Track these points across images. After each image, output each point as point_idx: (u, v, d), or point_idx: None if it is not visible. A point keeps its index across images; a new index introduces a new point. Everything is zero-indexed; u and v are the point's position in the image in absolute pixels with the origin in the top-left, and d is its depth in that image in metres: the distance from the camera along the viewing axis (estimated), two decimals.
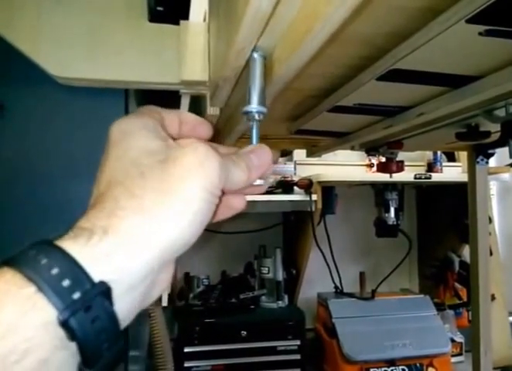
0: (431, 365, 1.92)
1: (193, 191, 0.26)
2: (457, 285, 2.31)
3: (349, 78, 0.52)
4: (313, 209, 1.95)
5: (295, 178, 2.06)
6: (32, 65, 0.58)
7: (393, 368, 1.89)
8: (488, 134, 0.73)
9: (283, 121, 0.80)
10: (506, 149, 0.70)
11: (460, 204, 1.40)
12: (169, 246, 0.25)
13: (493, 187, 2.68)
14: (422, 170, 2.33)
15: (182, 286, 2.20)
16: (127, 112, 0.68)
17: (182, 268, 2.22)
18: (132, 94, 0.70)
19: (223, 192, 0.29)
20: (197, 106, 0.71)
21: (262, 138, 0.36)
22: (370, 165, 2.37)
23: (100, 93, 0.64)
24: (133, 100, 0.72)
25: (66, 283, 0.22)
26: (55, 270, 0.22)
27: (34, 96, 0.66)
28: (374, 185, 2.23)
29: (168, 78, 0.59)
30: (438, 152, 2.36)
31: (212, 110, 0.61)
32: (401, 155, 0.97)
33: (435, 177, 2.11)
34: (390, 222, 2.14)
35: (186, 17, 0.58)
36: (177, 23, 0.58)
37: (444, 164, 2.41)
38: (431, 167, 2.38)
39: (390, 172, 0.97)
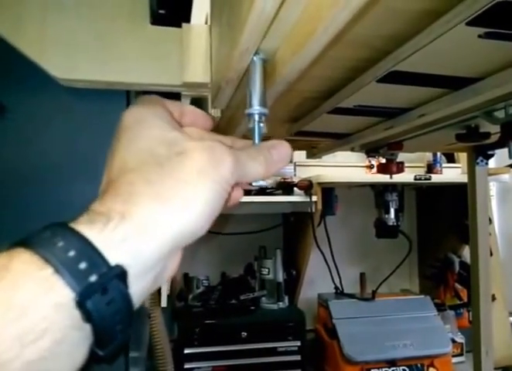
0: (432, 365, 1.92)
1: (208, 185, 0.27)
2: (457, 286, 2.31)
3: (349, 80, 0.52)
4: (313, 210, 1.96)
5: (295, 180, 2.07)
6: (34, 66, 0.59)
7: (394, 368, 1.89)
8: (488, 135, 0.74)
9: (283, 123, 0.80)
10: (505, 150, 0.71)
11: (460, 205, 1.40)
12: (181, 233, 0.26)
13: (493, 188, 2.68)
14: (422, 171, 2.34)
15: (182, 287, 2.20)
16: None
17: (182, 269, 2.22)
18: (134, 96, 0.70)
19: (237, 184, 0.30)
20: (198, 108, 0.72)
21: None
22: (370, 166, 2.38)
23: (102, 95, 0.65)
24: (135, 102, 0.72)
25: (82, 265, 0.23)
26: (72, 253, 0.23)
27: (35, 97, 0.66)
28: (374, 187, 2.23)
29: (170, 80, 0.60)
30: (438, 153, 2.37)
31: (213, 112, 0.61)
32: (401, 156, 0.98)
33: (435, 178, 2.11)
34: (391, 223, 2.14)
35: (187, 20, 0.58)
36: (179, 26, 0.58)
37: (444, 165, 2.41)
38: (430, 168, 2.39)
39: (391, 173, 0.98)
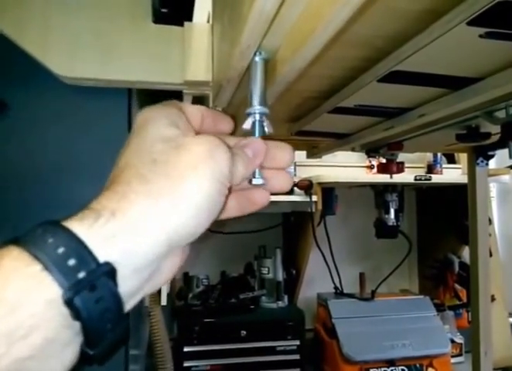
0: (430, 365, 1.92)
1: (204, 179, 0.26)
2: (457, 286, 2.31)
3: (350, 79, 0.52)
4: (313, 209, 1.96)
5: (296, 179, 2.07)
6: (36, 64, 0.59)
7: (392, 368, 1.89)
8: (488, 135, 0.74)
9: (284, 122, 0.80)
10: (505, 151, 0.71)
11: (460, 205, 1.40)
12: (176, 232, 0.26)
13: (493, 189, 2.68)
14: (422, 171, 2.34)
15: (182, 286, 2.20)
16: (130, 111, 0.68)
17: (181, 268, 2.21)
18: (135, 94, 0.70)
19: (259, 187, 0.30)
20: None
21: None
22: (370, 167, 2.38)
23: (104, 93, 0.65)
24: (136, 100, 0.72)
25: (71, 262, 0.23)
26: (61, 250, 0.23)
27: (38, 95, 0.66)
28: (374, 187, 2.24)
29: (171, 78, 0.60)
30: (438, 154, 2.37)
31: None
32: (401, 157, 0.98)
33: (435, 178, 2.12)
34: (390, 224, 2.15)
35: (189, 18, 0.58)
36: (181, 24, 0.58)
37: (444, 165, 2.41)
38: (431, 168, 2.39)
39: (391, 173, 0.98)
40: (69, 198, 0.65)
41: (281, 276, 2.15)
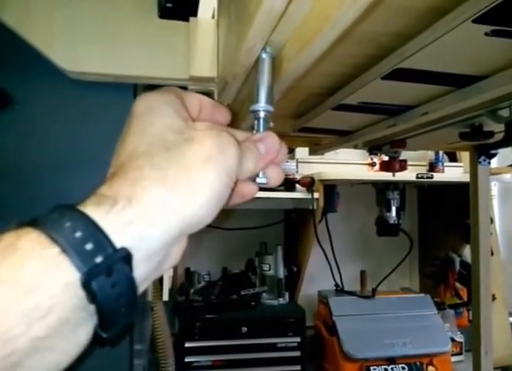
0: (431, 364, 1.92)
1: (215, 172, 0.27)
2: (457, 285, 2.31)
3: (353, 77, 0.53)
4: (315, 207, 1.96)
5: (297, 176, 2.07)
6: (42, 58, 0.59)
7: (393, 366, 1.89)
8: (491, 134, 0.74)
9: (287, 119, 0.80)
10: (507, 150, 0.71)
11: (461, 204, 1.40)
12: (187, 219, 0.26)
13: (494, 188, 2.68)
14: (424, 170, 2.33)
15: (183, 281, 2.21)
16: None
17: (183, 263, 2.23)
18: (141, 89, 0.71)
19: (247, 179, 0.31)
20: None
21: None
22: (372, 164, 2.37)
23: (110, 88, 0.65)
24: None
25: (89, 246, 0.23)
26: (78, 234, 0.23)
27: (43, 89, 0.66)
28: (376, 184, 2.24)
29: (177, 74, 0.60)
30: (440, 152, 2.36)
31: None
32: (403, 155, 0.98)
33: (437, 177, 2.11)
34: (392, 222, 2.15)
35: (194, 14, 0.58)
36: (186, 20, 0.59)
37: (446, 164, 2.41)
38: (432, 167, 2.38)
39: (394, 171, 0.98)
40: (73, 192, 0.65)
41: (282, 273, 2.15)
